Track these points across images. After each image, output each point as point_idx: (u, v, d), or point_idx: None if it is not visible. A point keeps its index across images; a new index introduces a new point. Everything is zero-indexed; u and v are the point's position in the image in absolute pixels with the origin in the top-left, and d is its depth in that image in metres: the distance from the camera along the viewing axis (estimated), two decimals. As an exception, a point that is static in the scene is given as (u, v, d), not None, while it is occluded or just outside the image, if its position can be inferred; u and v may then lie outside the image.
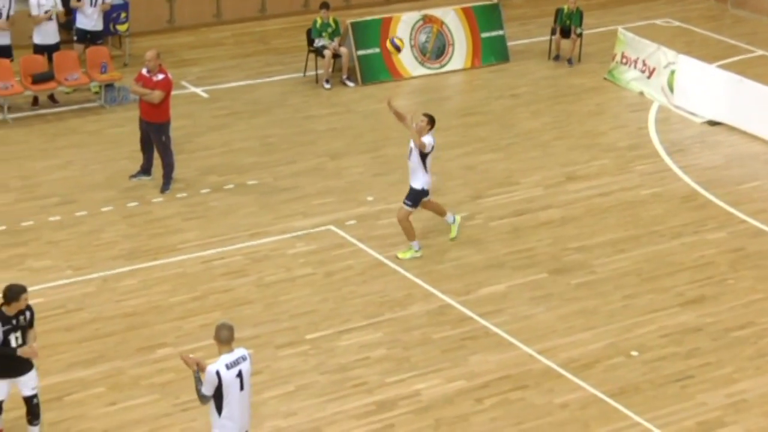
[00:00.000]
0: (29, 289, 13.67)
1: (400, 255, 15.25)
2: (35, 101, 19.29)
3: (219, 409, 10.12)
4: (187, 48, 21.96)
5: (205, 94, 20.23)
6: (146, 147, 16.88)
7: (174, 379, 12.49)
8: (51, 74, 18.97)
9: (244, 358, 10.23)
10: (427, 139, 14.99)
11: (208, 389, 10.07)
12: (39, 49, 19.27)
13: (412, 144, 15.04)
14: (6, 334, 10.88)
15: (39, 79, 18.88)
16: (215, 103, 19.89)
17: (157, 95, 16.40)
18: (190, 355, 10.41)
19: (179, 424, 11.94)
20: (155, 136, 16.67)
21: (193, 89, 20.31)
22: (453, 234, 15.72)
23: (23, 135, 18.30)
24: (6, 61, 18.83)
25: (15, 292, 10.93)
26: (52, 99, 19.39)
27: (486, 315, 14.13)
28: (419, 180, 15.08)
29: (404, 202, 15.19)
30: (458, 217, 15.86)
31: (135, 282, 14.47)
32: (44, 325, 13.28)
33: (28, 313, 11.09)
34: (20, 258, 14.78)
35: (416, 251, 15.27)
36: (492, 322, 14.00)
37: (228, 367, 10.07)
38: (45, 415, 11.51)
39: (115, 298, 14.11)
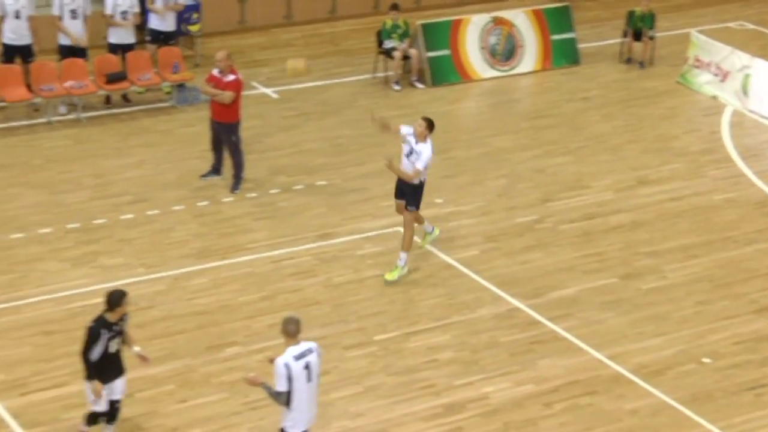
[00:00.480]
0: (100, 286, 14.11)
1: (388, 277, 14.60)
2: (108, 100, 19.53)
3: (288, 401, 10.21)
4: (258, 49, 22.08)
5: (275, 95, 20.33)
6: (217, 147, 16.99)
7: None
8: (124, 74, 19.19)
9: (310, 351, 10.35)
10: (426, 152, 14.35)
11: (281, 384, 10.17)
12: (114, 49, 19.50)
13: (412, 144, 14.45)
14: (110, 339, 10.90)
15: (112, 78, 19.10)
16: (285, 104, 19.98)
17: (227, 96, 16.51)
18: (250, 374, 10.55)
19: (248, 422, 12.00)
20: (226, 136, 16.78)
21: (263, 90, 20.42)
22: (424, 244, 15.12)
23: (97, 134, 18.53)
24: (80, 61, 19.07)
25: (117, 297, 10.92)
26: (125, 98, 19.61)
27: (555, 319, 14.03)
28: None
29: (408, 208, 14.63)
30: (437, 230, 15.27)
31: (205, 281, 14.57)
32: (116, 322, 13.47)
33: (126, 319, 11.14)
34: (93, 255, 14.95)
35: (403, 267, 14.65)
36: (561, 326, 13.89)
37: (296, 358, 10.21)
38: (116, 411, 11.63)
39: (185, 296, 14.22)
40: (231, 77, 16.58)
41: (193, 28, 21.14)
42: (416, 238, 15.12)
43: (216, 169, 17.12)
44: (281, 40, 22.63)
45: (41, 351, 12.97)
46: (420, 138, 14.40)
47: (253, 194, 16.76)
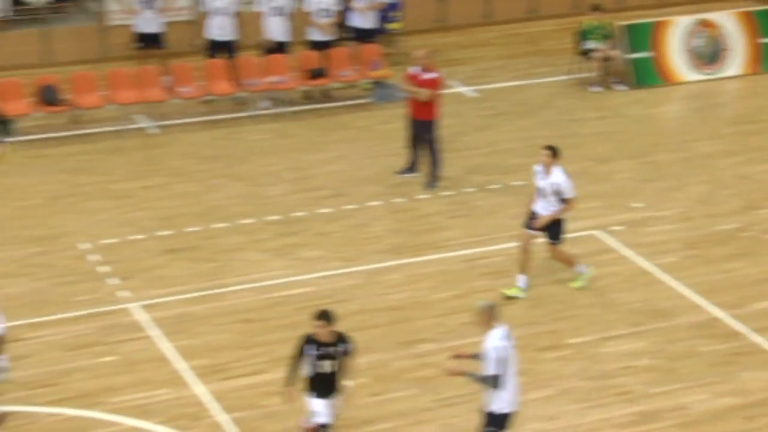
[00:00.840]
0: (298, 278, 14.38)
1: (575, 284, 14.30)
2: (309, 96, 19.89)
3: (499, 383, 10.36)
4: (457, 47, 22.11)
5: (472, 94, 20.32)
6: (414, 144, 17.09)
7: (436, 375, 12.53)
8: (325, 70, 19.52)
9: (508, 332, 10.58)
10: (562, 178, 13.77)
11: (492, 368, 10.29)
12: (315, 46, 19.86)
13: (542, 183, 13.88)
14: (319, 358, 10.67)
15: (313, 74, 19.46)
16: (482, 103, 19.94)
17: (425, 93, 16.59)
18: (448, 365, 10.65)
19: (440, 419, 11.99)
20: (423, 134, 16.86)
21: (461, 89, 20.43)
22: (510, 293, 14.13)
23: (298, 128, 18.91)
24: (282, 57, 19.51)
25: (316, 313, 10.71)
26: (325, 94, 19.93)
27: (759, 331, 13.52)
28: (555, 209, 13.98)
29: (551, 242, 14.11)
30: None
31: (399, 276, 14.65)
32: (311, 314, 13.64)
33: (343, 346, 10.75)
34: (292, 248, 15.24)
35: (584, 274, 14.32)
36: (765, 338, 13.38)
37: (503, 340, 10.41)
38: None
39: (380, 291, 14.34)
40: (430, 75, 16.67)
41: (394, 26, 21.33)
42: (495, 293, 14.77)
43: (412, 167, 17.21)
44: (480, 39, 22.61)
45: (241, 338, 13.29)
46: (547, 168, 13.91)
47: (449, 192, 16.78)
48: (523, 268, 14.16)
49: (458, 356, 10.94)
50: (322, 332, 10.62)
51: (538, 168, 14.05)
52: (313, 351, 10.68)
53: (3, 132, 18.08)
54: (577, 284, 14.39)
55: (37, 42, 20.63)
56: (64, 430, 11.65)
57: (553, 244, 14.19)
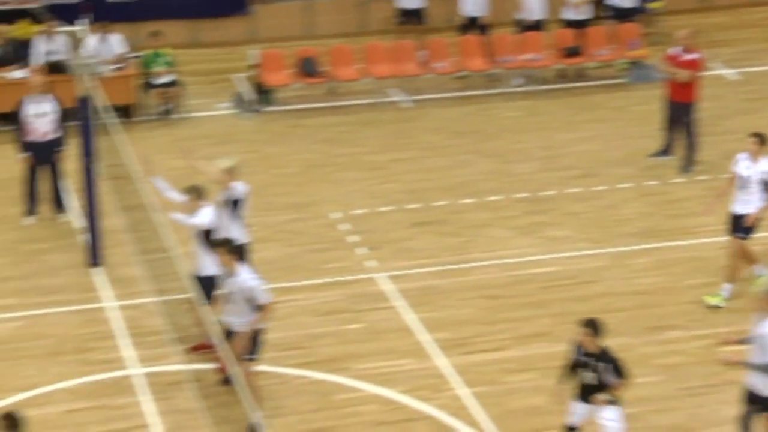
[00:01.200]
0: (543, 257, 14.32)
1: (709, 300, 13.27)
2: (563, 74, 19.67)
3: None
4: (721, 28, 21.35)
5: (735, 77, 19.57)
6: (670, 126, 16.64)
7: (683, 362, 12.23)
8: (580, 49, 19.26)
9: None
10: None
11: None
12: (570, 24, 19.63)
13: (748, 171, 13.04)
14: (581, 366, 10.31)
15: (568, 53, 19.24)
16: (745, 86, 19.22)
17: (685, 75, 16.14)
18: (722, 354, 10.38)
19: (686, 408, 11.67)
20: (681, 116, 16.41)
21: (722, 71, 19.72)
22: (716, 300, 13.23)
23: (550, 106, 18.74)
24: (538, 34, 19.38)
25: (585, 324, 10.31)
26: (580, 73, 19.66)
27: None
28: (754, 204, 13.08)
29: (737, 235, 13.16)
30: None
31: (648, 261, 14.33)
32: (556, 294, 13.59)
33: (603, 364, 10.22)
34: (539, 226, 15.14)
35: (725, 298, 13.26)
36: None
37: None
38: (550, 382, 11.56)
39: (627, 274, 14.06)
40: (691, 56, 16.21)
41: (654, 6, 20.81)
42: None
43: (667, 149, 16.77)
44: (746, 20, 21.78)
45: (484, 314, 13.31)
46: (754, 156, 13.13)
47: (704, 177, 16.26)
48: (732, 277, 13.40)
49: (726, 342, 10.52)
50: (586, 341, 10.27)
51: (742, 156, 13.30)
52: (578, 357, 10.37)
53: (264, 101, 18.77)
54: (715, 300, 13.30)
55: (300, 15, 21.26)
56: (311, 393, 12.00)
57: (742, 237, 13.27)
